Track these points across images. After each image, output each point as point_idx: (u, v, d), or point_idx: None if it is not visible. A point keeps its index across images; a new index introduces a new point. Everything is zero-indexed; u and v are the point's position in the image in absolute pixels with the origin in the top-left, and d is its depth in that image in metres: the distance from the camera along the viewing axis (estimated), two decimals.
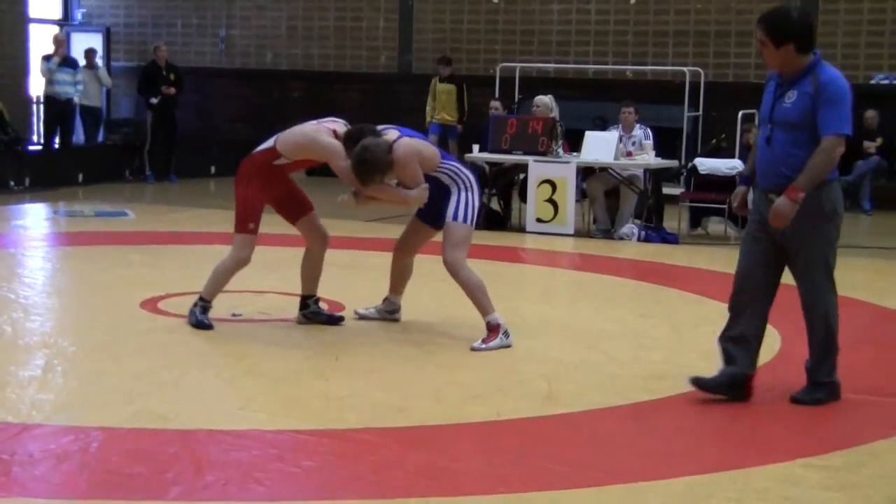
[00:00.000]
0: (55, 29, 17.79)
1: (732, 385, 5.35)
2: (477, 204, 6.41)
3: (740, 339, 5.37)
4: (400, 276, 6.84)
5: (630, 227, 11.15)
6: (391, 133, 6.38)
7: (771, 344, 6.59)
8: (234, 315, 6.93)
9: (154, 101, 15.45)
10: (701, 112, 14.76)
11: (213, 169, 16.65)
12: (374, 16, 17.90)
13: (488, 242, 10.08)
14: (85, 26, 18.98)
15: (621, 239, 11.09)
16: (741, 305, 5.40)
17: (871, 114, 14.44)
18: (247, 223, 6.56)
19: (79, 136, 16.21)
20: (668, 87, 15.38)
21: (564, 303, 8.26)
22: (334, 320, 6.83)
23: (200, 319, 6.53)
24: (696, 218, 11.73)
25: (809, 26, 5.38)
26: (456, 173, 6.40)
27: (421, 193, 6.30)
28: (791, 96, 5.25)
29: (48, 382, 5.41)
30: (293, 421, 4.87)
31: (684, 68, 14.94)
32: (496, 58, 16.35)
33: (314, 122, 6.66)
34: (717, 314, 7.55)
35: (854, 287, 8.64)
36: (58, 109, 15.33)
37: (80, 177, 14.81)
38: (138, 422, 4.76)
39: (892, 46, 15.12)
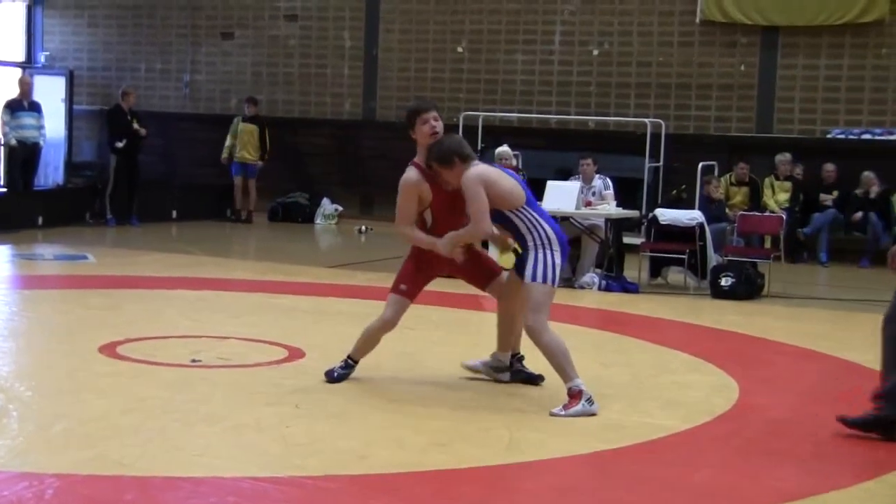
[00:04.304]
0: (17, 72, 17.71)
1: (876, 424, 5.62)
2: (557, 262, 6.00)
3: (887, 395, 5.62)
4: (504, 329, 6.54)
5: (591, 276, 11.21)
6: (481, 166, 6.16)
7: (729, 394, 6.65)
8: (193, 361, 6.88)
9: (120, 144, 15.42)
10: (662, 163, 14.91)
11: (174, 213, 16.60)
12: (339, 63, 17.99)
13: (450, 290, 10.09)
14: (48, 69, 18.92)
15: (582, 288, 11.14)
16: (884, 358, 5.67)
17: (829, 167, 14.67)
18: (398, 284, 6.40)
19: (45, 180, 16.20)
20: (630, 137, 15.55)
21: (526, 351, 8.26)
22: (534, 379, 6.62)
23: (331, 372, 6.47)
24: (657, 268, 11.82)
25: None
26: (534, 226, 6.03)
27: (448, 243, 6.10)
28: None
29: (3, 427, 5.33)
30: (252, 468, 4.83)
31: (646, 120, 15.11)
32: (459, 106, 16.47)
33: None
34: (677, 363, 7.62)
35: (814, 338, 8.74)
36: (24, 154, 15.24)
37: (40, 220, 14.70)
38: (95, 468, 4.70)
39: (847, 102, 15.40)
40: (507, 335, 6.60)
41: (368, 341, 6.51)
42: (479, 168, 6.07)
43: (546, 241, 6.01)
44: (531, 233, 6.04)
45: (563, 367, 6.02)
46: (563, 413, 5.91)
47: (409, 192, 6.23)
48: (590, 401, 5.95)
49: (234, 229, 16.40)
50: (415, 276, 6.41)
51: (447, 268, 6.48)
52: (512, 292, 6.39)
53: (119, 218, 15.49)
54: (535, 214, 6.07)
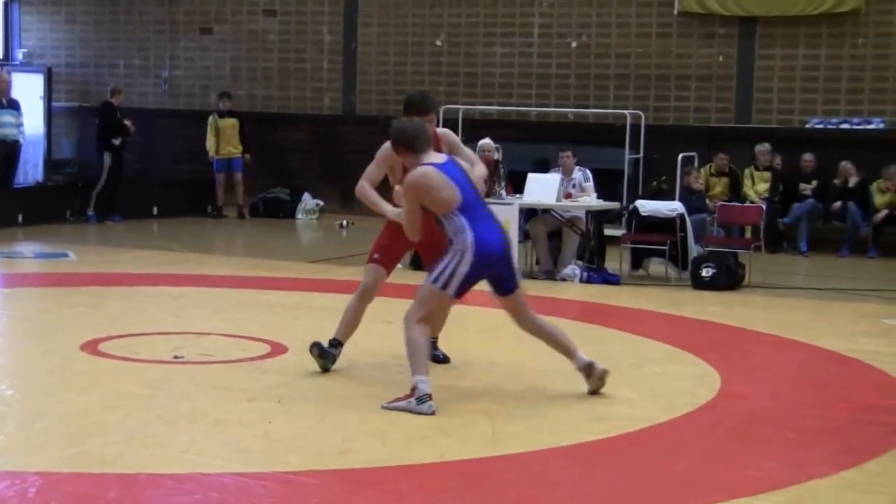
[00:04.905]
0: None
1: None
2: (462, 272, 5.93)
3: None
4: (552, 343, 6.38)
5: (572, 268, 11.24)
6: (434, 156, 6.15)
7: (711, 384, 6.69)
8: (175, 357, 6.87)
9: (116, 142, 15.42)
10: (642, 154, 14.95)
11: (155, 210, 16.55)
12: (318, 57, 17.96)
13: None
14: (26, 66, 18.82)
15: (564, 280, 11.17)
16: None
17: (808, 157, 14.72)
18: (372, 253, 6.67)
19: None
20: (610, 129, 15.58)
21: (507, 344, 8.27)
22: (439, 360, 6.88)
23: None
24: (638, 259, 11.85)
25: None
26: (457, 232, 5.99)
27: (393, 212, 6.38)
28: None
29: None
30: (235, 464, 4.83)
31: (625, 111, 15.14)
32: (439, 100, 16.43)
33: None
34: (658, 354, 7.65)
35: (792, 328, 8.79)
36: (3, 152, 15.16)
37: (20, 217, 14.63)
38: (78, 465, 4.70)
39: (825, 92, 15.46)
40: (554, 345, 6.44)
41: (353, 319, 6.67)
42: (419, 172, 6.04)
43: (461, 250, 5.95)
44: (453, 238, 6.02)
45: (414, 361, 5.92)
46: (387, 405, 5.85)
47: (384, 157, 6.57)
48: (420, 399, 5.78)
49: (216, 225, 16.36)
50: (388, 247, 6.67)
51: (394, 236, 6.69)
52: None
53: (100, 215, 15.44)
54: (463, 221, 5.98)
